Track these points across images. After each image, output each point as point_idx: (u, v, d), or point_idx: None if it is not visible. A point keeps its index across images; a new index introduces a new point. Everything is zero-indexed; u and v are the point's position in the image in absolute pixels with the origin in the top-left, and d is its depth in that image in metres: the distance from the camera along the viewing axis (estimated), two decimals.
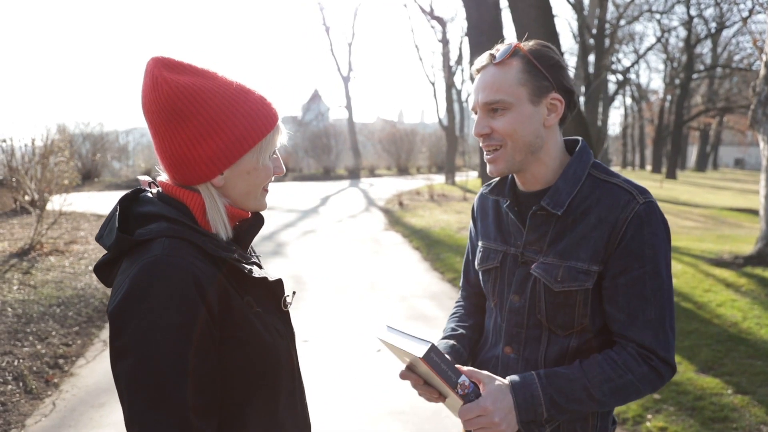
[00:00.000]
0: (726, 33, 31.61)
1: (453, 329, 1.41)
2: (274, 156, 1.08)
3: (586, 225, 1.18)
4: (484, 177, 9.67)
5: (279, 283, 1.08)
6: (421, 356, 1.01)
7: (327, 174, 28.53)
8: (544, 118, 1.20)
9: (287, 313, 1.11)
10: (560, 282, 1.20)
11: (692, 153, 48.89)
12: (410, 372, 1.15)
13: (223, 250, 0.99)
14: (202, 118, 0.97)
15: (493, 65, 1.20)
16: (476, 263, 1.39)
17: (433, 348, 1.02)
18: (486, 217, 1.41)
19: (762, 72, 6.30)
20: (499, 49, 1.22)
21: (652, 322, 1.14)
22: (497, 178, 1.37)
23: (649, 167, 48.39)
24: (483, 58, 1.22)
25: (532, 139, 1.20)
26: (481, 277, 1.39)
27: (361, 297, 5.83)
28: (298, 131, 32.01)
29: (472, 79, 1.33)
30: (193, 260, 0.92)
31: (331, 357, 4.20)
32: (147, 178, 1.08)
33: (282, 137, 1.06)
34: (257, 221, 1.09)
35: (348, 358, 4.19)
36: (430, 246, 8.64)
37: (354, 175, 30.31)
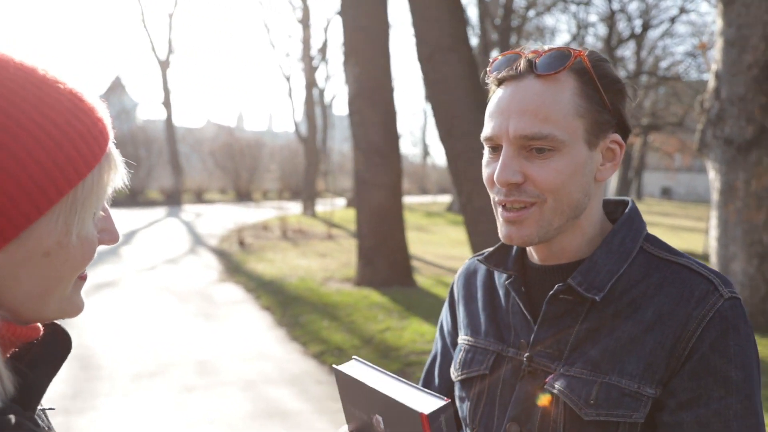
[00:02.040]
0: (652, 34, 35.93)
1: None
2: (102, 215, 0.88)
3: (637, 323, 1.12)
4: (360, 207, 9.79)
5: None
6: (426, 413, 0.92)
7: (133, 198, 27.51)
8: (598, 169, 1.18)
9: None
10: (594, 407, 1.11)
11: (612, 180, 54.22)
12: None
13: None
14: None
15: (536, 77, 1.13)
16: (453, 370, 1.34)
17: (446, 409, 0.94)
18: (472, 299, 1.37)
19: (711, 84, 7.05)
20: (540, 52, 1.15)
21: None
22: (490, 247, 1.35)
23: None
24: (515, 61, 1.15)
25: (580, 198, 1.16)
26: (457, 392, 1.33)
27: (184, 388, 5.60)
28: None
29: (484, 84, 1.24)
30: None
31: None
32: None
33: (116, 176, 0.86)
34: (60, 343, 0.89)
35: None
36: (286, 305, 8.64)
37: (173, 200, 29.39)
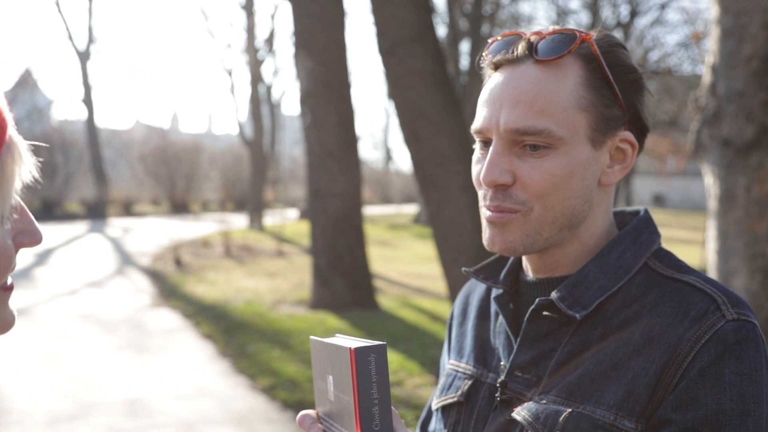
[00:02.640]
0: (641, 22, 36.64)
1: None
2: (14, 217, 0.85)
3: (623, 345, 1.10)
4: (315, 219, 9.83)
5: None
6: (354, 347, 0.97)
7: (48, 211, 27.27)
8: (603, 171, 1.16)
9: None
10: None
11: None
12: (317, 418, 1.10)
13: None
14: None
15: (535, 62, 1.12)
16: (434, 397, 1.37)
17: (378, 350, 0.98)
18: (465, 319, 1.39)
19: (706, 78, 7.18)
20: (543, 34, 1.13)
21: None
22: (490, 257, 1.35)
23: None
24: (514, 44, 1.14)
25: (577, 204, 1.14)
26: (434, 422, 1.35)
27: None
28: None
29: (479, 68, 1.24)
30: None
31: None
32: None
33: (22, 169, 0.84)
34: None
35: None
36: (230, 332, 8.65)
37: (96, 212, 29.14)
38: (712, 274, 7.18)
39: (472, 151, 1.24)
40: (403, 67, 6.00)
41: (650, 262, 1.17)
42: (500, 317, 1.26)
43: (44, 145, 0.98)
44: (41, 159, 0.89)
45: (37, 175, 0.86)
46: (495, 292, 1.28)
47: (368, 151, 70.58)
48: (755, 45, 5.93)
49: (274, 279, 12.81)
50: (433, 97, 5.91)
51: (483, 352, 1.29)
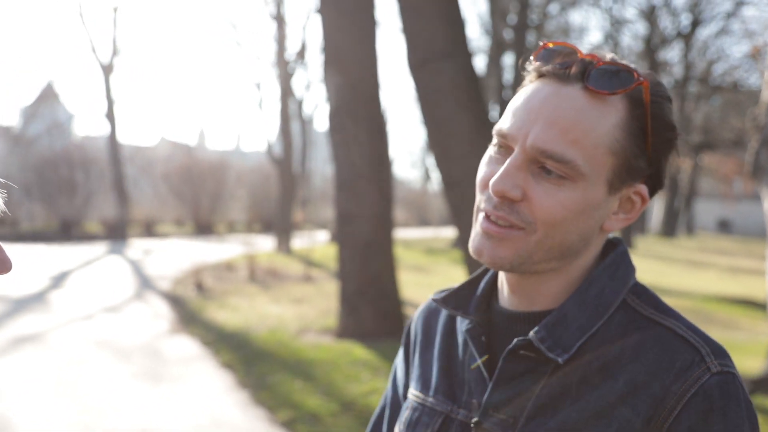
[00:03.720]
0: (703, 33, 35.76)
1: None
2: None
3: (606, 393, 1.13)
4: (343, 243, 9.90)
5: None
6: None
7: (67, 231, 27.45)
8: (609, 216, 1.19)
9: None
10: None
11: (655, 210, 53.93)
12: None
13: None
14: None
15: (584, 88, 1.12)
16: (397, 428, 1.36)
17: None
18: (429, 346, 1.39)
19: (765, 95, 7.06)
20: (599, 60, 1.13)
21: None
22: (456, 285, 1.36)
23: None
24: (568, 60, 1.14)
25: (576, 241, 1.17)
26: None
27: None
28: (12, 153, 30.44)
29: (522, 72, 1.25)
30: None
31: None
32: None
33: None
34: None
35: None
36: (251, 362, 8.64)
37: (117, 233, 29.34)
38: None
39: None
40: (433, 84, 6.09)
41: (628, 299, 1.20)
42: (470, 348, 1.27)
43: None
44: (61, 176, 0.93)
45: (4, 209, 0.90)
46: (465, 323, 1.29)
47: (405, 170, 70.52)
48: None
49: (301, 305, 12.78)
50: (464, 116, 5.98)
51: (451, 386, 1.29)
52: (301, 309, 12.41)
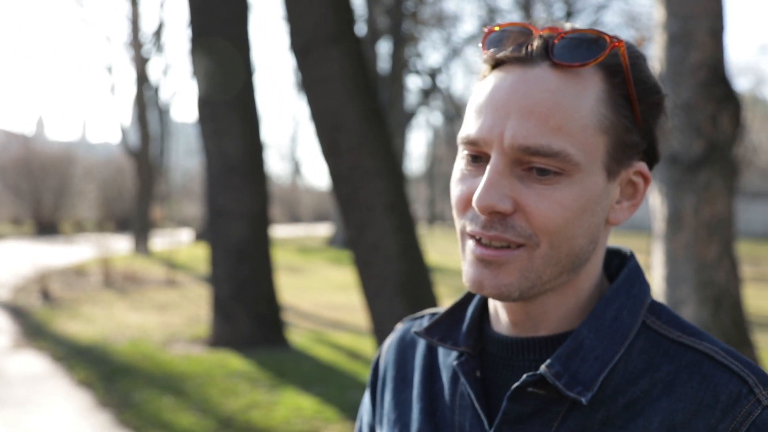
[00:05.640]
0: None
1: None
2: None
3: None
4: (215, 243, 9.79)
5: None
6: None
7: None
8: (612, 207, 1.09)
9: None
10: None
11: None
12: None
13: None
14: None
15: (552, 65, 1.03)
16: None
17: None
18: (406, 384, 1.28)
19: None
20: (560, 32, 1.04)
21: None
22: (440, 310, 1.27)
23: None
24: (527, 39, 1.05)
25: (584, 245, 1.06)
26: None
27: None
28: None
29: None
30: None
31: None
32: None
33: None
34: None
35: None
36: (111, 378, 8.45)
37: None
38: (660, 301, 7.46)
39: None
40: (320, 71, 6.05)
41: (648, 321, 1.10)
42: (461, 385, 1.17)
43: None
44: None
45: None
46: (451, 355, 1.21)
47: (273, 164, 70.27)
48: (704, 53, 6.22)
49: (165, 313, 12.62)
50: (353, 105, 5.97)
51: (437, 429, 1.19)
52: (166, 317, 12.25)
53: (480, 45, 1.09)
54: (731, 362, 1.03)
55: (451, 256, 27.77)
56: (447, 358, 1.21)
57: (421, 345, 1.29)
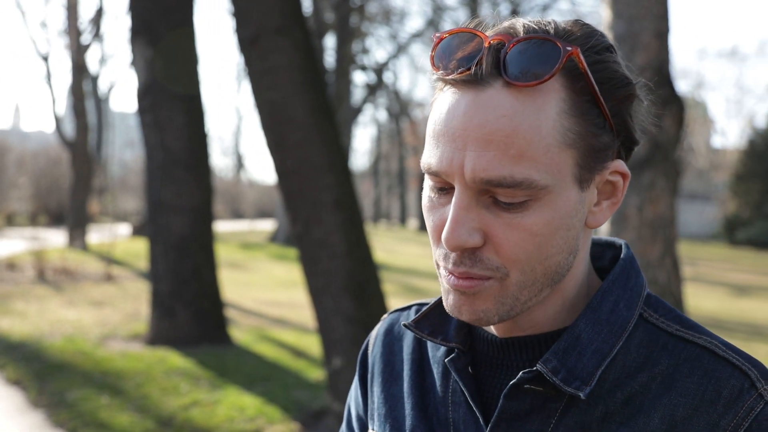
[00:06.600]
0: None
1: None
2: None
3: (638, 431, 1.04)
4: (155, 238, 9.81)
5: None
6: None
7: None
8: (590, 211, 1.07)
9: None
10: None
11: None
12: None
13: None
14: None
15: (506, 85, 0.98)
16: None
17: None
18: (395, 377, 1.28)
19: None
20: (511, 39, 1.00)
21: None
22: (427, 301, 1.28)
23: (415, 223, 54.13)
24: (478, 53, 1.00)
25: (561, 260, 1.05)
26: None
27: None
28: None
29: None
30: None
31: None
32: None
33: None
34: None
35: None
36: (44, 377, 8.36)
37: None
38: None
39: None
40: (267, 62, 6.04)
41: (645, 313, 1.11)
42: (453, 382, 1.17)
43: None
44: None
45: None
46: (441, 350, 1.21)
47: (216, 158, 69.73)
48: (649, 54, 6.37)
49: (102, 309, 12.47)
50: (301, 98, 5.97)
51: (431, 427, 1.18)
52: (102, 313, 12.12)
53: (430, 55, 1.05)
54: (732, 356, 1.04)
55: (397, 254, 27.89)
56: (436, 353, 1.21)
57: (409, 337, 1.29)
